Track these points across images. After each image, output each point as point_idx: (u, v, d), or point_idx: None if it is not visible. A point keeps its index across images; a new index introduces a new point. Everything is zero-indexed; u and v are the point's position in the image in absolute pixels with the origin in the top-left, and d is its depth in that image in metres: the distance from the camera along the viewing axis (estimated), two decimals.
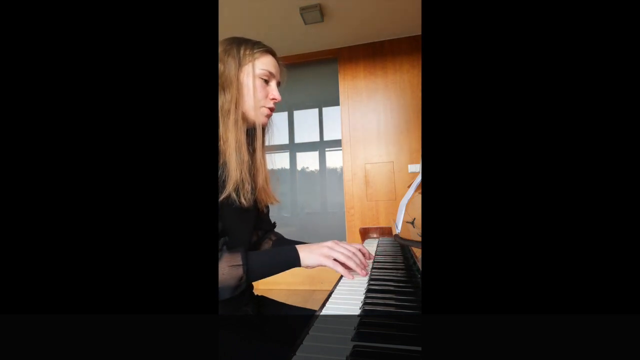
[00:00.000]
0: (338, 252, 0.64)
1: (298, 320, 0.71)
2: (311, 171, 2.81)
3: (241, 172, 0.63)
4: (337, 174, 2.72)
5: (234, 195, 0.62)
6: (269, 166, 0.75)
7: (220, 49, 0.66)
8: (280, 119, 2.83)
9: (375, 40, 2.58)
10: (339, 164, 2.70)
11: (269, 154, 0.75)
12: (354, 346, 0.36)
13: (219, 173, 0.62)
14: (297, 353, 0.36)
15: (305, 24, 2.24)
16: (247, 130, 0.69)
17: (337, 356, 0.34)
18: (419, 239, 0.50)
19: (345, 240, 2.59)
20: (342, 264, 0.64)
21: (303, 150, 2.82)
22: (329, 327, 0.42)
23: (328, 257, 0.63)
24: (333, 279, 2.40)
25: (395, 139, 2.54)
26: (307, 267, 0.63)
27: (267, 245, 0.82)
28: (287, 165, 2.84)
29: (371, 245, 1.10)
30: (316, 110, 2.80)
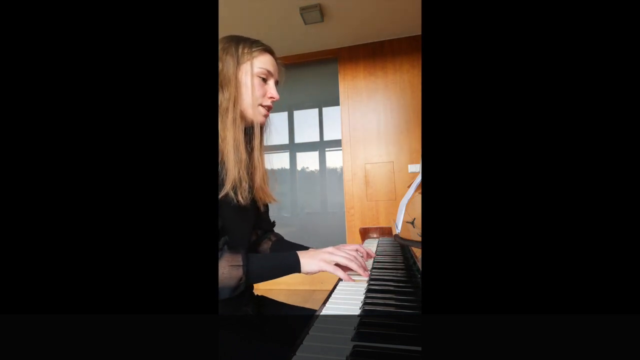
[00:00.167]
0: (339, 256, 0.64)
1: (298, 320, 0.71)
2: (311, 171, 2.81)
3: (239, 171, 0.63)
4: (337, 174, 2.72)
5: (231, 193, 0.62)
6: (268, 166, 0.75)
7: (218, 47, 0.66)
8: (280, 119, 2.83)
9: (375, 40, 2.58)
10: (339, 164, 2.70)
11: (268, 154, 0.75)
12: (354, 346, 0.36)
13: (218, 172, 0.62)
14: (297, 353, 0.36)
15: (305, 24, 2.24)
16: (245, 129, 0.69)
17: (337, 356, 0.34)
18: (419, 239, 0.50)
19: (345, 240, 2.59)
20: (344, 268, 0.64)
21: (303, 150, 2.82)
22: (329, 327, 0.42)
23: (329, 262, 0.63)
24: (333, 279, 2.39)
25: (395, 139, 2.54)
26: (307, 273, 0.63)
27: (266, 245, 0.82)
28: (287, 165, 2.84)
29: (371, 245, 1.10)
30: (316, 110, 2.80)
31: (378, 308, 0.48)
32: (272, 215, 0.86)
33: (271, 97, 0.69)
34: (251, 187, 0.68)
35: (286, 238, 0.85)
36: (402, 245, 0.97)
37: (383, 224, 2.51)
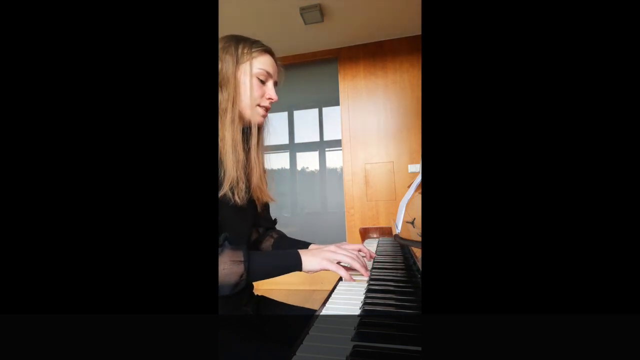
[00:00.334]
0: (341, 254, 0.64)
1: (298, 320, 0.71)
2: (311, 171, 2.81)
3: (236, 171, 0.63)
4: (337, 174, 2.72)
5: (229, 193, 0.62)
6: (267, 166, 0.75)
7: (218, 46, 0.66)
8: (280, 119, 2.83)
9: (375, 40, 2.58)
10: (339, 164, 2.70)
11: (267, 154, 0.75)
12: (354, 346, 0.36)
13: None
14: (297, 353, 0.36)
15: (305, 24, 2.24)
16: (243, 129, 0.69)
17: (337, 356, 0.34)
18: (419, 239, 0.50)
19: (345, 240, 2.59)
20: (347, 267, 0.64)
21: (303, 150, 2.82)
22: (329, 327, 0.42)
23: (331, 260, 0.62)
24: (333, 279, 2.40)
25: (395, 139, 2.54)
26: (309, 272, 0.62)
27: (268, 242, 0.82)
28: (287, 165, 2.84)
29: (371, 245, 1.10)
30: (316, 110, 2.80)
31: (378, 308, 0.48)
32: (272, 214, 0.86)
33: (269, 99, 0.69)
34: (248, 187, 0.68)
35: None
36: (402, 245, 0.97)
37: (383, 224, 2.51)
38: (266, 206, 0.81)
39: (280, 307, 0.77)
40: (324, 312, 0.48)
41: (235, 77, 0.65)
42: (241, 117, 0.67)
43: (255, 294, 0.79)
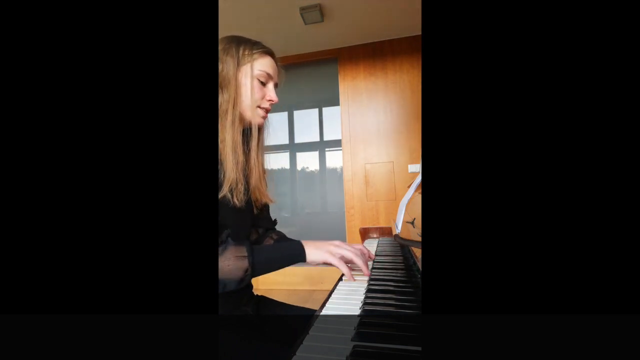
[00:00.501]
0: (345, 249, 0.64)
1: (298, 320, 0.71)
2: (311, 171, 2.81)
3: (236, 173, 0.63)
4: (337, 174, 2.72)
5: (228, 195, 0.62)
6: (266, 166, 0.75)
7: (219, 47, 0.66)
8: (280, 119, 2.83)
9: (375, 40, 2.58)
10: (339, 164, 2.70)
11: (267, 154, 0.75)
12: (354, 346, 0.36)
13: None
14: (297, 353, 0.36)
15: (305, 24, 2.24)
16: (243, 130, 0.69)
17: (337, 356, 0.34)
18: (419, 239, 0.50)
19: (345, 240, 2.59)
20: (348, 262, 0.64)
21: (303, 150, 2.82)
22: (329, 327, 0.42)
23: (334, 254, 0.63)
24: (333, 279, 2.40)
25: (395, 139, 2.54)
26: (312, 262, 0.62)
27: (267, 243, 0.82)
28: (287, 165, 2.84)
29: (371, 245, 1.10)
30: (316, 110, 2.80)
31: (378, 308, 0.48)
32: (272, 215, 0.86)
33: (270, 100, 0.69)
34: (246, 189, 0.68)
35: None
36: (402, 245, 0.97)
37: (383, 224, 2.51)
38: (266, 207, 0.81)
39: (280, 307, 0.77)
40: (324, 312, 0.48)
41: (236, 79, 0.65)
42: (241, 119, 0.67)
43: (255, 294, 0.79)
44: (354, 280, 0.64)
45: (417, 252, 0.55)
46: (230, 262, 0.55)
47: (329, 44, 2.61)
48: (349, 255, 0.64)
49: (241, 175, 0.64)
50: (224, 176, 0.62)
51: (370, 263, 0.79)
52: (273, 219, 0.86)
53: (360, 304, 0.50)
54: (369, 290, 0.56)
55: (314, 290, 2.60)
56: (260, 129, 0.72)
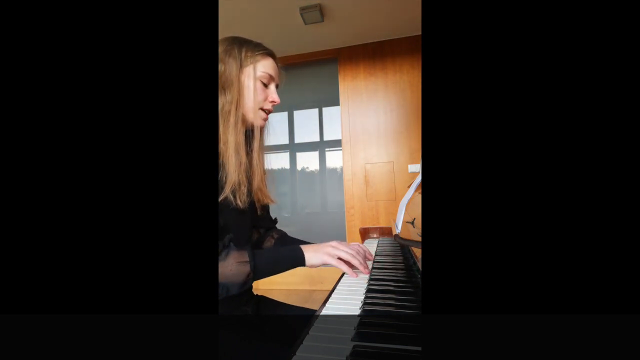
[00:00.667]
0: (342, 251, 0.65)
1: (298, 320, 0.71)
2: (311, 171, 2.81)
3: (238, 174, 0.63)
4: (337, 174, 2.72)
5: (230, 196, 0.62)
6: (267, 166, 0.75)
7: (220, 48, 0.66)
8: (280, 119, 2.83)
9: (375, 40, 2.58)
10: (339, 164, 2.70)
11: (267, 154, 0.75)
12: (354, 346, 0.36)
13: (218, 174, 0.62)
14: (297, 353, 0.36)
15: (305, 24, 2.24)
16: (245, 131, 0.69)
17: (337, 356, 0.34)
18: (419, 239, 0.50)
19: (345, 240, 2.59)
20: (346, 263, 0.65)
21: (303, 150, 2.82)
22: (329, 327, 0.42)
23: (332, 255, 0.64)
24: (333, 279, 2.39)
25: (395, 139, 2.54)
26: (311, 266, 0.64)
27: (269, 243, 0.82)
28: (287, 165, 2.84)
29: (371, 245, 1.10)
30: (316, 110, 2.80)
31: (378, 308, 0.48)
32: (272, 215, 0.86)
33: (272, 101, 0.69)
34: (249, 191, 0.68)
35: None
36: (402, 245, 0.97)
37: (383, 224, 2.51)
38: (266, 207, 0.82)
39: (280, 307, 0.77)
40: (324, 312, 0.48)
41: (239, 80, 0.65)
42: (244, 120, 0.67)
43: (255, 294, 0.79)
44: (356, 276, 0.65)
45: (417, 252, 0.55)
46: (233, 267, 0.56)
47: (329, 44, 2.61)
48: (346, 256, 0.65)
49: (244, 177, 0.64)
50: (225, 178, 0.62)
51: (370, 263, 0.79)
52: (273, 218, 0.86)
53: (360, 304, 0.50)
54: (369, 290, 0.56)
55: (314, 290, 2.60)
56: (262, 130, 0.72)
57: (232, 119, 0.64)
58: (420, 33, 2.30)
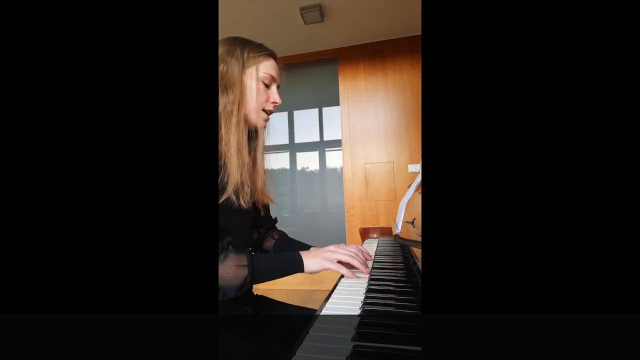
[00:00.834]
0: (341, 253, 0.65)
1: (298, 320, 0.71)
2: (311, 171, 2.81)
3: (241, 174, 0.63)
4: (337, 174, 2.72)
5: (233, 197, 0.62)
6: (266, 166, 0.75)
7: (222, 48, 0.66)
8: (280, 119, 2.83)
9: (375, 40, 2.58)
10: (339, 164, 2.70)
11: (267, 154, 0.75)
12: (354, 346, 0.36)
13: (220, 175, 0.62)
14: (297, 353, 0.36)
15: (305, 24, 2.24)
16: (247, 132, 0.69)
17: (337, 356, 0.34)
18: (419, 239, 0.50)
19: (345, 240, 2.59)
20: (346, 265, 0.65)
21: (303, 150, 2.82)
22: (329, 327, 0.42)
23: (331, 260, 0.63)
24: (333, 279, 2.39)
25: (395, 139, 2.54)
26: (310, 272, 0.63)
27: (269, 243, 0.82)
28: (287, 165, 2.84)
29: (371, 245, 1.10)
30: (316, 110, 2.80)
31: (378, 308, 0.48)
32: (272, 214, 0.87)
33: (274, 102, 0.69)
34: (252, 191, 0.68)
35: None
36: (402, 245, 0.97)
37: (383, 224, 2.51)
38: (266, 207, 0.82)
39: (280, 307, 0.77)
40: (324, 312, 0.48)
41: (241, 81, 0.65)
42: (246, 121, 0.67)
43: (255, 294, 0.79)
44: (356, 277, 0.65)
45: (417, 252, 0.55)
46: (231, 270, 0.56)
47: (329, 44, 2.61)
48: (345, 258, 0.65)
49: (247, 177, 0.64)
50: (227, 179, 0.62)
51: (369, 263, 0.79)
52: (273, 218, 0.86)
53: (360, 304, 0.50)
54: (369, 290, 0.56)
55: (314, 290, 2.60)
56: (262, 130, 0.72)
57: (234, 120, 0.64)
58: (420, 33, 2.30)
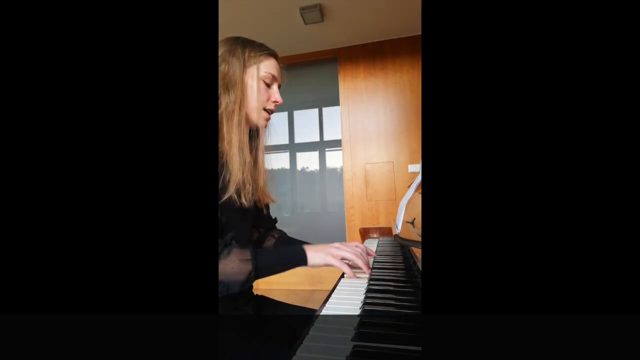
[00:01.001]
0: (346, 251, 0.65)
1: (298, 320, 0.71)
2: (311, 171, 2.81)
3: (243, 173, 0.63)
4: (337, 174, 2.72)
5: (234, 196, 0.62)
6: (267, 166, 0.75)
7: (224, 48, 0.66)
8: (280, 119, 2.83)
9: (375, 40, 2.58)
10: (339, 164, 2.70)
11: (267, 154, 0.75)
12: (354, 346, 0.36)
13: (222, 174, 0.62)
14: (297, 353, 0.36)
15: (305, 24, 2.24)
16: (248, 131, 0.69)
17: (337, 356, 0.34)
18: (419, 239, 0.50)
19: (345, 240, 2.59)
20: (349, 264, 0.65)
21: (303, 150, 2.82)
22: (329, 327, 0.42)
23: (335, 256, 0.64)
24: (333, 279, 2.39)
25: (395, 139, 2.54)
26: (313, 266, 0.63)
27: (269, 242, 0.83)
28: (287, 165, 2.84)
29: (371, 245, 1.10)
30: (316, 110, 2.80)
31: (378, 308, 0.48)
32: (272, 214, 0.87)
33: (275, 101, 0.69)
34: (254, 190, 0.69)
35: None
36: (402, 245, 0.97)
37: (383, 224, 2.51)
38: (266, 206, 0.82)
39: (280, 307, 0.77)
40: (324, 312, 0.48)
41: (242, 80, 0.65)
42: (247, 120, 0.67)
43: (255, 293, 0.79)
44: (357, 277, 0.65)
45: (417, 252, 0.55)
46: (235, 265, 0.56)
47: (329, 44, 2.61)
48: (349, 256, 0.65)
49: (249, 176, 0.65)
50: (228, 177, 0.62)
51: (370, 262, 0.79)
52: (273, 218, 0.86)
53: (360, 304, 0.50)
54: (369, 290, 0.56)
55: (314, 290, 2.60)
56: (264, 130, 0.72)
57: (235, 119, 0.64)
58: (420, 33, 2.30)
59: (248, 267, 0.56)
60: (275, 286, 2.64)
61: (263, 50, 0.68)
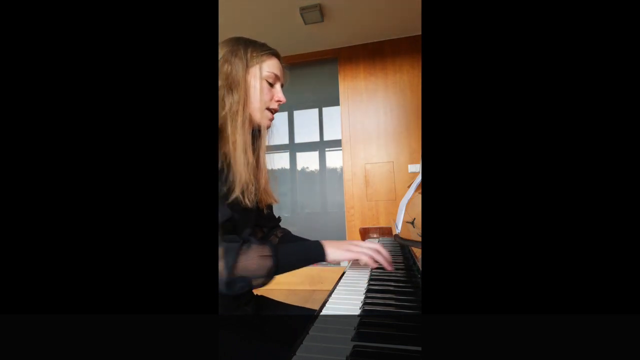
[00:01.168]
0: (365, 248, 0.64)
1: (298, 320, 0.71)
2: (311, 171, 2.81)
3: (247, 173, 0.63)
4: (337, 174, 2.72)
5: (240, 196, 0.62)
6: (268, 166, 0.75)
7: (226, 49, 0.66)
8: (280, 119, 2.83)
9: (375, 40, 2.58)
10: (339, 164, 2.70)
11: (268, 154, 0.75)
12: (354, 346, 0.36)
13: (225, 174, 0.62)
14: (297, 353, 0.36)
15: (305, 24, 2.24)
16: (251, 131, 0.69)
17: (337, 356, 0.34)
18: (419, 239, 0.50)
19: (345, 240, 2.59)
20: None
21: (303, 150, 2.82)
22: (329, 327, 0.42)
23: (354, 251, 0.63)
24: (333, 279, 2.39)
25: (395, 139, 2.54)
26: (332, 261, 0.63)
27: (273, 240, 0.82)
28: (287, 165, 2.84)
29: None
30: (316, 110, 2.80)
31: (378, 308, 0.48)
32: (275, 214, 0.87)
33: (278, 101, 0.69)
34: (257, 190, 0.68)
35: None
36: (402, 245, 0.97)
37: (383, 224, 2.51)
38: (269, 206, 0.82)
39: (280, 307, 0.77)
40: (324, 312, 0.48)
41: (245, 81, 0.65)
42: (251, 120, 0.67)
43: (255, 293, 0.79)
44: (392, 268, 0.64)
45: (417, 252, 0.55)
46: (255, 260, 0.55)
47: (329, 44, 2.61)
48: (369, 252, 0.63)
49: (251, 176, 0.65)
50: (233, 178, 0.62)
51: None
52: (277, 217, 0.87)
53: (360, 304, 0.50)
54: (369, 290, 0.56)
55: (314, 290, 2.60)
56: (266, 130, 0.72)
57: (239, 119, 0.64)
58: (420, 33, 2.30)
59: (269, 263, 0.56)
60: (275, 286, 2.63)
61: (265, 50, 0.68)
